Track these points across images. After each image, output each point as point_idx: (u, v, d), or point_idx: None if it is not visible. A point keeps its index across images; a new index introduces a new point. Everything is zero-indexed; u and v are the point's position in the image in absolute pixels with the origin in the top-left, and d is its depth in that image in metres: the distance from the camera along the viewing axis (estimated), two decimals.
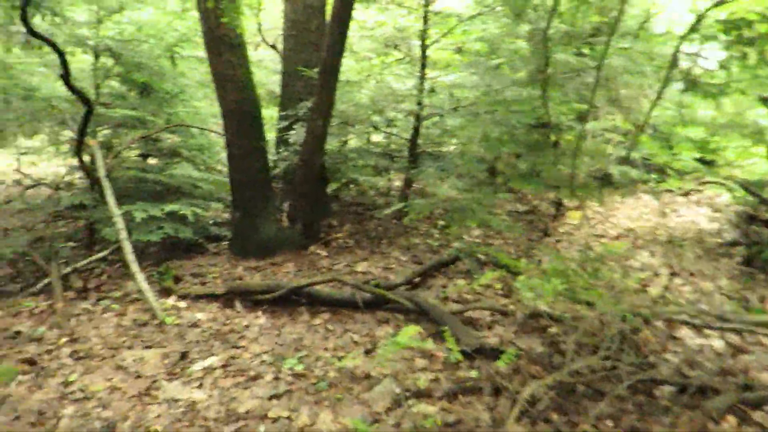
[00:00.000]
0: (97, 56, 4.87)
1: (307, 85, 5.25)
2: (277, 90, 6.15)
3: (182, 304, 4.06)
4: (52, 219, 5.13)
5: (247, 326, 3.66)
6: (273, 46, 6.86)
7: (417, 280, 4.32)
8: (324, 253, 4.97)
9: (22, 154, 8.28)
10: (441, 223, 5.82)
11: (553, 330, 3.40)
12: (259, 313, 3.86)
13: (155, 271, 4.46)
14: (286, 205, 5.12)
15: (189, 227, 4.71)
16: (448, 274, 4.50)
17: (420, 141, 5.59)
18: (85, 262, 4.50)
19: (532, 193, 6.85)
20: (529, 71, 4.75)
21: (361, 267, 4.64)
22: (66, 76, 3.51)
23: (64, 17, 4.55)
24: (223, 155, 5.31)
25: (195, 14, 4.90)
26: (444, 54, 6.36)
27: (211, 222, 5.49)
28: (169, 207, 4.39)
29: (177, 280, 4.40)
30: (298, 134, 4.93)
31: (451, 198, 4.61)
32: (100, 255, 4.60)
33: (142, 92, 5.41)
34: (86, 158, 4.56)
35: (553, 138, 5.42)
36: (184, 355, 3.27)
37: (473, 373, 2.97)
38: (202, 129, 5.38)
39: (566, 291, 2.90)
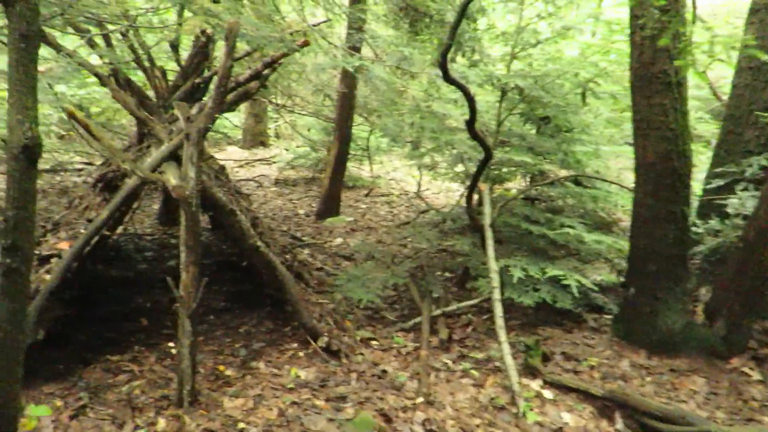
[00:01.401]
0: (504, 93, 4.61)
1: (763, 135, 3.79)
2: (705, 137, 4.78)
3: (548, 393, 3.34)
4: (435, 251, 5.18)
5: None
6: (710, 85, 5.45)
7: None
8: (755, 374, 3.45)
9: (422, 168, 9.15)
10: None
11: None
12: None
13: (522, 340, 3.88)
14: (705, 292, 3.81)
15: (569, 295, 3.95)
16: None
17: None
18: (454, 307, 4.27)
19: None
20: None
21: None
22: (471, 123, 3.25)
23: (482, 54, 4.48)
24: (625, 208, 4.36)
25: (620, 47, 4.12)
26: None
27: (593, 286, 4.60)
28: (552, 271, 3.72)
29: (545, 357, 3.70)
30: (741, 202, 3.55)
31: None
32: (470, 303, 4.31)
33: (539, 127, 4.97)
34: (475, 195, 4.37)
35: None
36: None
37: None
38: (606, 181, 4.55)
39: None
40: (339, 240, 6.61)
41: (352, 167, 10.36)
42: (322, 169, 8.22)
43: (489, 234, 3.84)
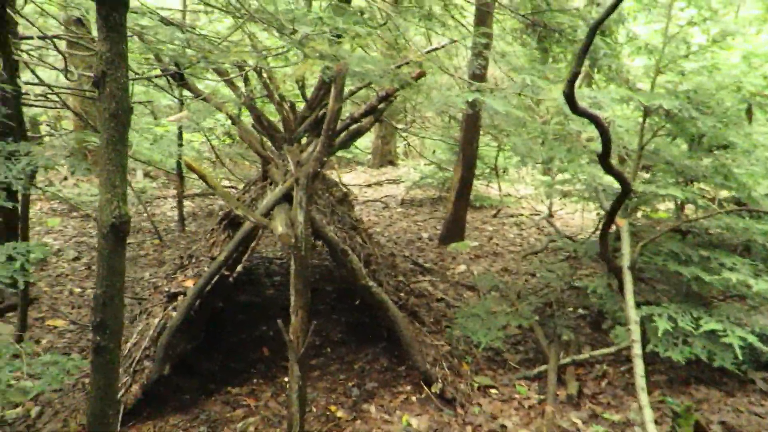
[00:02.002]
0: (647, 112, 4.06)
1: None
2: None
3: None
4: (566, 287, 4.71)
5: None
6: None
7: None
8: None
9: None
10: None
11: None
12: None
13: (669, 401, 3.32)
14: None
15: (729, 353, 3.31)
16: None
17: None
18: (586, 356, 3.81)
19: None
20: None
21: None
22: (604, 156, 2.85)
23: (620, 69, 3.98)
24: None
25: None
26: None
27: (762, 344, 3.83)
28: (708, 325, 3.13)
29: (699, 428, 3.11)
30: None
31: None
32: (606, 351, 3.81)
33: (691, 146, 4.29)
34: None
35: None
36: None
37: None
38: None
39: None
40: (462, 267, 6.36)
41: (480, 185, 10.05)
42: (449, 188, 8.03)
43: (628, 278, 3.35)
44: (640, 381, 3.06)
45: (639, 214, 5.13)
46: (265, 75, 4.49)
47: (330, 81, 2.96)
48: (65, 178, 9.60)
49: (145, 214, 7.73)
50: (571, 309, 4.65)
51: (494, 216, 8.93)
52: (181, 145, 7.61)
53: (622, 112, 4.40)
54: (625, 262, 3.40)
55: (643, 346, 3.47)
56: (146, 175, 10.75)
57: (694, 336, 3.37)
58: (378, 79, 3.38)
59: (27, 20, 4.02)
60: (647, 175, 4.67)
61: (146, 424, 3.07)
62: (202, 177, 2.74)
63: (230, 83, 4.65)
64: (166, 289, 3.23)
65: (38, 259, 6.44)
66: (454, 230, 7.03)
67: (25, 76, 5.30)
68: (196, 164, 2.71)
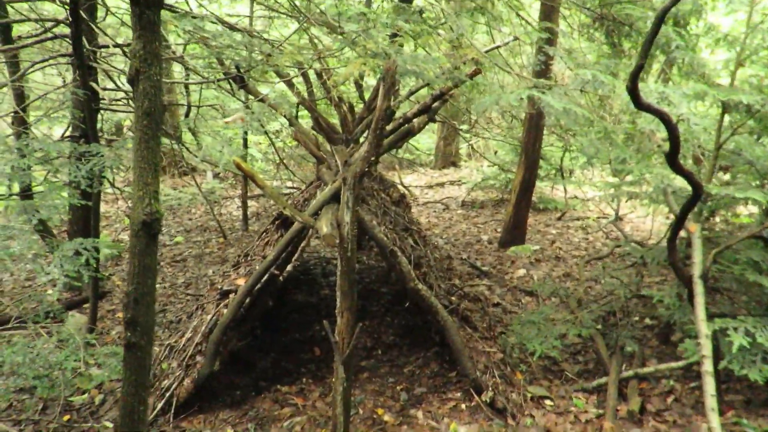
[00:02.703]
0: (725, 109, 3.73)
1: None
2: None
3: None
4: (632, 295, 4.42)
5: None
6: None
7: None
8: None
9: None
10: None
11: None
12: None
13: (745, 424, 3.02)
14: None
15: None
16: None
17: None
18: (651, 369, 3.55)
19: None
20: None
21: None
22: (673, 156, 2.62)
23: (696, 63, 3.68)
24: None
25: None
26: None
27: None
28: None
29: None
30: None
31: None
32: (674, 365, 3.54)
33: None
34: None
35: None
36: None
37: None
38: None
39: None
40: (521, 272, 6.15)
41: (544, 187, 9.71)
42: (511, 190, 7.80)
43: (699, 288, 3.08)
44: (711, 401, 2.81)
45: (717, 218, 4.75)
46: (325, 76, 4.54)
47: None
48: None
49: (212, 214, 8.04)
50: (636, 319, 4.36)
51: (558, 219, 8.59)
52: (246, 146, 7.87)
53: (699, 110, 4.08)
54: (696, 270, 3.13)
55: (716, 363, 3.19)
56: (215, 176, 11.20)
57: None
58: (432, 78, 3.32)
59: (101, 30, 4.26)
60: (727, 177, 4.31)
61: (197, 417, 3.16)
62: (250, 177, 2.78)
63: (289, 84, 4.74)
64: (219, 287, 3.31)
65: (113, 255, 6.84)
66: (514, 233, 6.82)
67: (108, 83, 5.65)
68: (246, 164, 2.76)
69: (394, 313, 5.00)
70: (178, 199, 9.15)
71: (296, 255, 3.29)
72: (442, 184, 11.35)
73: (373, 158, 2.86)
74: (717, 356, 3.22)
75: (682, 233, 3.73)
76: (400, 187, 6.56)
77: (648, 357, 3.87)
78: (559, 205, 9.17)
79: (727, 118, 3.81)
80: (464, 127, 11.90)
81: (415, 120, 3.79)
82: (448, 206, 9.72)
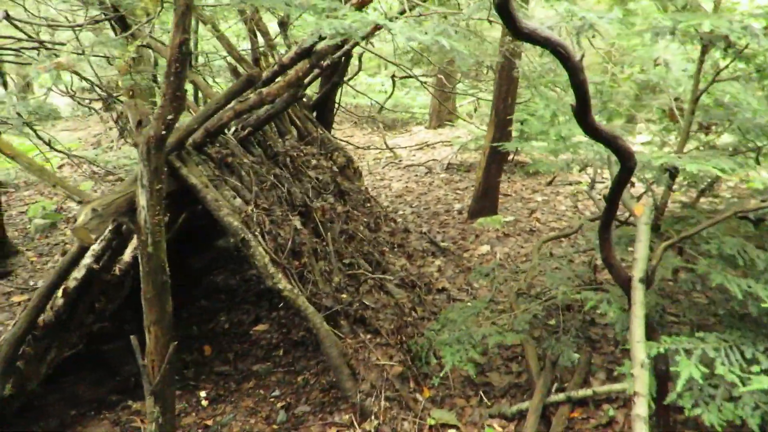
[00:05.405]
0: (705, 49, 2.78)
1: None
2: None
3: None
4: (580, 290, 3.56)
5: None
6: None
7: None
8: None
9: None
10: None
11: None
12: None
13: None
14: None
15: None
16: None
17: None
18: (587, 392, 2.74)
19: None
20: None
21: None
22: (582, 112, 1.74)
23: None
24: None
25: None
26: None
27: None
28: (759, 383, 1.98)
29: None
30: None
31: None
32: (614, 388, 2.72)
33: None
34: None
35: None
36: None
37: None
38: None
39: None
40: (485, 248, 5.32)
41: (536, 150, 8.70)
42: (482, 153, 6.86)
43: (639, 296, 2.24)
44: None
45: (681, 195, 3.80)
46: None
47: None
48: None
49: None
50: (589, 319, 3.52)
51: (549, 184, 7.64)
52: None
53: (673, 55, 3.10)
54: (637, 271, 2.27)
55: (664, 394, 2.39)
56: None
57: (743, 387, 2.21)
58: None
59: None
60: (711, 139, 3.35)
61: None
62: (13, 158, 2.03)
63: None
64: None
65: (47, 225, 6.27)
66: (484, 202, 5.95)
67: None
68: (5, 144, 2.01)
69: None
70: None
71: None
72: (431, 145, 10.42)
73: (171, 116, 2.07)
74: (664, 386, 2.40)
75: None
76: (348, 151, 5.59)
77: (595, 371, 3.06)
78: (555, 169, 8.18)
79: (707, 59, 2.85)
80: (460, 85, 10.87)
81: (295, 68, 2.94)
82: (431, 170, 8.85)
